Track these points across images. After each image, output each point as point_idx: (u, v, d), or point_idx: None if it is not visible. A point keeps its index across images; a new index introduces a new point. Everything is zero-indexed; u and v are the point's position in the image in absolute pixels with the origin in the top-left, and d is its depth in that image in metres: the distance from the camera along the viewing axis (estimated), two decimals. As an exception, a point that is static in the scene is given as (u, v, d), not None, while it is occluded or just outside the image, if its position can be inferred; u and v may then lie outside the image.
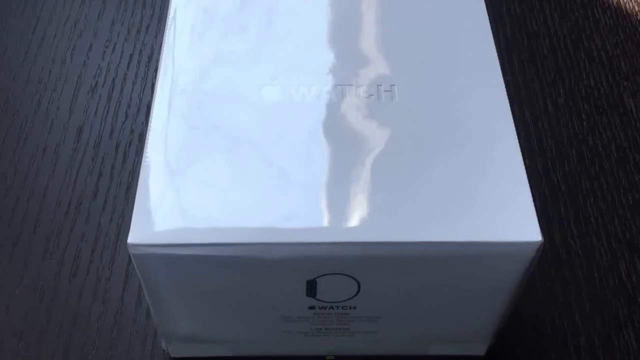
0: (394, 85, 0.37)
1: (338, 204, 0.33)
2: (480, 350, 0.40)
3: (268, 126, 0.36)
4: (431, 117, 0.36)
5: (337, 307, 0.36)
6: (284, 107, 0.36)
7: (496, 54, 0.39)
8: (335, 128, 0.36)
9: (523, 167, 0.34)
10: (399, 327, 0.38)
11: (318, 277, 0.33)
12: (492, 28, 0.40)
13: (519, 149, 0.35)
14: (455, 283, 0.34)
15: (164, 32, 0.39)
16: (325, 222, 0.32)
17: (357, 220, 0.32)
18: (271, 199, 0.33)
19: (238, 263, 0.32)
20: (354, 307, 0.36)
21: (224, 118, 0.36)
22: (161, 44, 0.39)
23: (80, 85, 0.55)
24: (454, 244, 0.32)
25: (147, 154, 0.35)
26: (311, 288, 0.34)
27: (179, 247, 0.32)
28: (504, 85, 0.37)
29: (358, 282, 0.34)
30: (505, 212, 0.33)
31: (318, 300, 0.35)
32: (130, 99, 0.54)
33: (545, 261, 0.45)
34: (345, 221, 0.32)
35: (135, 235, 0.32)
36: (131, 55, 0.57)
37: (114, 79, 0.56)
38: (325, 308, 0.36)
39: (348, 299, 0.35)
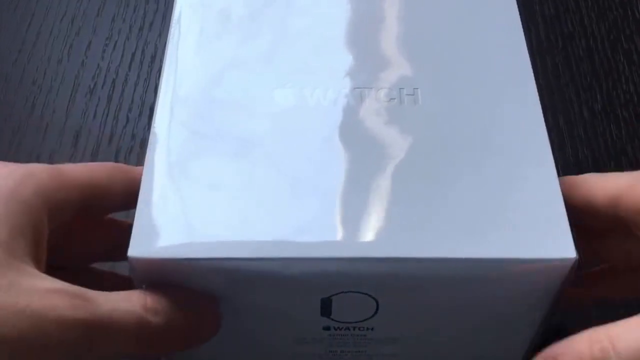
0: (417, 88, 0.37)
1: (356, 217, 0.32)
2: None
3: (280, 132, 0.35)
4: (457, 124, 0.35)
5: (354, 328, 0.35)
6: (297, 112, 0.36)
7: (528, 56, 0.38)
8: (354, 134, 0.35)
9: (557, 179, 0.34)
10: (421, 351, 0.37)
11: (334, 295, 0.33)
12: (524, 29, 0.39)
13: (552, 159, 0.34)
14: (482, 303, 0.34)
15: (168, 30, 0.39)
16: (341, 236, 0.32)
17: (377, 234, 0.32)
18: (283, 210, 0.32)
19: (245, 279, 0.32)
20: (372, 329, 0.35)
21: (232, 124, 0.35)
22: (165, 43, 0.39)
23: (77, 87, 0.55)
24: (482, 261, 0.31)
25: (148, 161, 0.34)
26: (326, 307, 0.33)
27: (182, 261, 0.31)
28: (536, 90, 0.37)
29: (377, 301, 0.33)
30: (537, 228, 0.32)
31: (333, 320, 0.34)
32: (132, 101, 0.54)
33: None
34: (363, 235, 0.32)
35: (136, 248, 0.31)
36: (133, 55, 0.57)
37: (114, 79, 0.55)
38: (341, 329, 0.35)
39: (366, 320, 0.34)
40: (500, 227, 0.32)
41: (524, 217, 0.32)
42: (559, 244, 0.32)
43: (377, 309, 0.34)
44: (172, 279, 0.32)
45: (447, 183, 0.33)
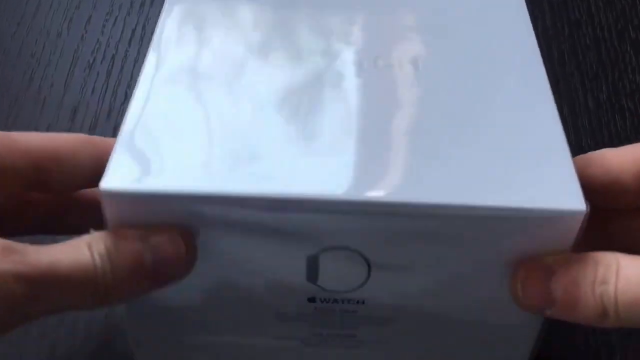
0: (420, 58, 0.37)
1: (349, 164, 0.31)
2: None
3: (271, 85, 0.35)
4: (463, 86, 0.35)
5: (342, 301, 0.34)
6: (290, 69, 0.36)
7: (530, 23, 0.39)
8: (348, 92, 0.35)
9: (563, 134, 0.33)
10: (416, 334, 0.36)
11: (321, 251, 0.31)
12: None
13: (558, 116, 0.34)
14: (487, 264, 0.32)
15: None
16: (332, 179, 0.30)
17: (372, 178, 0.30)
18: (268, 155, 0.31)
19: (225, 221, 0.31)
20: (363, 302, 0.34)
21: (220, 74, 0.35)
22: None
23: (76, 61, 0.55)
24: (487, 210, 0.30)
25: (132, 104, 0.33)
26: (312, 268, 0.32)
27: (155, 195, 0.30)
28: (540, 57, 0.37)
29: (368, 263, 0.32)
30: (546, 180, 0.31)
31: (320, 288, 0.33)
32: (131, 77, 0.54)
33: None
34: (356, 181, 0.30)
35: (109, 182, 0.30)
36: (133, 30, 0.57)
37: (113, 55, 0.55)
38: (328, 301, 0.34)
39: (355, 289, 0.33)
40: (506, 179, 0.31)
41: (532, 171, 0.31)
42: (568, 197, 0.30)
43: (369, 274, 0.32)
44: (144, 217, 0.31)
45: (449, 137, 0.33)
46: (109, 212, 0.31)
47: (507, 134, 0.33)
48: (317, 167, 0.31)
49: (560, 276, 0.30)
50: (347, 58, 0.36)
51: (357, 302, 0.34)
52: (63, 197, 0.36)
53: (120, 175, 0.30)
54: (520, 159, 0.32)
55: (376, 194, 0.30)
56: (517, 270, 0.31)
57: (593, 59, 0.56)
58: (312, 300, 0.34)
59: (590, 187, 0.31)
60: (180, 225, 0.31)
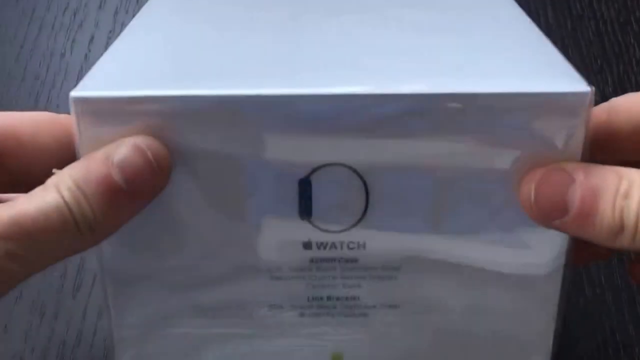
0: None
1: (339, 65, 0.30)
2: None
3: (250, 22, 0.35)
4: (438, 12, 0.35)
5: (341, 246, 0.31)
6: (271, 17, 0.36)
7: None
8: (332, 23, 0.35)
9: (540, 31, 0.33)
10: (423, 286, 0.32)
11: (313, 171, 0.30)
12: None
13: (529, 19, 0.35)
14: (494, 176, 0.30)
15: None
16: (317, 78, 0.29)
17: (362, 71, 0.29)
18: (247, 70, 0.30)
19: (202, 128, 0.29)
20: (363, 246, 0.31)
21: (204, 23, 0.36)
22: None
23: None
24: (491, 96, 0.28)
25: (111, 47, 0.34)
26: (304, 196, 0.30)
27: (127, 99, 0.29)
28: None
29: (365, 185, 0.30)
30: (543, 70, 0.30)
31: (315, 227, 0.31)
32: (136, 95, 0.54)
33: (594, 267, 0.45)
34: (348, 76, 0.29)
35: (80, 90, 0.29)
36: (136, 47, 0.57)
37: (117, 73, 0.55)
38: (325, 247, 0.31)
39: (354, 225, 0.31)
40: (503, 72, 0.30)
41: (524, 63, 0.31)
42: (570, 81, 0.29)
43: (367, 202, 0.30)
44: (115, 132, 0.29)
45: (435, 43, 0.32)
46: (79, 127, 0.29)
47: (490, 38, 0.33)
48: (300, 72, 0.30)
49: (580, 184, 0.28)
50: (327, 9, 0.37)
51: (358, 245, 0.32)
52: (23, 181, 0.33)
53: (90, 87, 0.29)
54: (509, 55, 0.31)
55: (371, 86, 0.29)
56: (532, 173, 0.29)
57: (597, 53, 0.56)
58: (307, 246, 0.32)
59: (617, 133, 0.31)
60: (147, 135, 0.29)
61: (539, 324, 0.33)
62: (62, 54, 0.57)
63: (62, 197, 0.28)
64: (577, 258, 0.33)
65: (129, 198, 0.29)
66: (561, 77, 0.30)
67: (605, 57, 0.55)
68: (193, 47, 0.33)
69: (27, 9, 0.60)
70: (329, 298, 0.33)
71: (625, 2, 0.59)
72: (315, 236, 0.31)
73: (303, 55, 0.32)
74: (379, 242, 0.31)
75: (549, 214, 0.29)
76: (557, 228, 0.29)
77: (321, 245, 0.31)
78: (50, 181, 0.28)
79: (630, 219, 0.27)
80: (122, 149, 0.28)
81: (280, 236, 0.31)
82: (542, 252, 0.32)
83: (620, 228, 0.27)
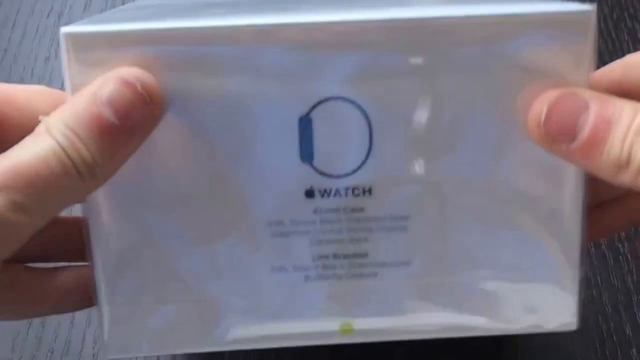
0: None
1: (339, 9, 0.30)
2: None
3: None
4: None
5: (346, 193, 0.30)
6: None
7: None
8: None
9: None
10: (435, 231, 0.31)
11: (314, 106, 0.29)
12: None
13: None
14: (501, 98, 0.30)
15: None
16: (316, 12, 0.29)
17: (360, 3, 0.30)
18: (239, 12, 0.30)
19: (194, 67, 0.29)
20: (369, 191, 0.30)
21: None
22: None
23: (66, 85, 0.55)
24: (497, 17, 0.29)
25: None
26: (305, 137, 0.29)
27: (117, 34, 0.29)
28: None
29: (368, 121, 0.29)
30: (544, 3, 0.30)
31: (317, 172, 0.30)
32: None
33: (591, 267, 0.44)
34: (351, 9, 0.29)
35: (70, 27, 0.29)
36: (122, 50, 0.57)
37: (104, 76, 0.55)
38: (329, 194, 0.30)
39: (358, 168, 0.30)
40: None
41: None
42: (573, 6, 0.29)
43: (371, 140, 0.29)
44: (105, 68, 0.29)
45: None
46: (69, 66, 0.29)
47: None
48: (297, 6, 0.30)
49: (594, 112, 0.28)
50: None
51: (363, 191, 0.30)
52: None
53: (82, 25, 0.29)
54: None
55: (377, 14, 0.28)
56: (546, 94, 0.29)
57: (590, 51, 0.56)
58: (310, 194, 0.30)
59: (631, 89, 0.31)
60: (135, 68, 0.29)
61: (564, 269, 0.32)
62: (46, 58, 0.56)
63: (57, 142, 0.27)
64: (592, 231, 0.33)
65: (123, 134, 0.28)
66: (563, 4, 0.29)
67: (599, 54, 0.55)
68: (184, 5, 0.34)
69: (10, 12, 0.59)
70: (335, 256, 0.31)
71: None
72: (318, 183, 0.30)
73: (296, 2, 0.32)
74: (385, 185, 0.30)
75: (556, 137, 0.29)
76: (561, 154, 0.29)
77: (324, 193, 0.30)
78: (40, 128, 0.28)
79: (638, 154, 0.27)
80: (109, 84, 0.28)
81: (281, 184, 0.30)
82: (561, 182, 0.31)
83: (626, 162, 0.27)
